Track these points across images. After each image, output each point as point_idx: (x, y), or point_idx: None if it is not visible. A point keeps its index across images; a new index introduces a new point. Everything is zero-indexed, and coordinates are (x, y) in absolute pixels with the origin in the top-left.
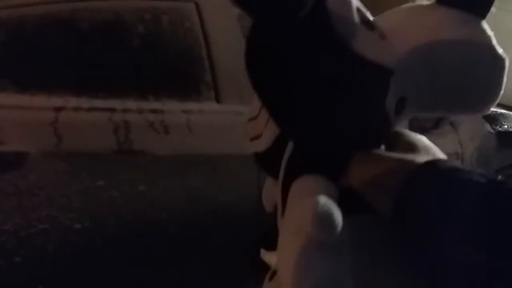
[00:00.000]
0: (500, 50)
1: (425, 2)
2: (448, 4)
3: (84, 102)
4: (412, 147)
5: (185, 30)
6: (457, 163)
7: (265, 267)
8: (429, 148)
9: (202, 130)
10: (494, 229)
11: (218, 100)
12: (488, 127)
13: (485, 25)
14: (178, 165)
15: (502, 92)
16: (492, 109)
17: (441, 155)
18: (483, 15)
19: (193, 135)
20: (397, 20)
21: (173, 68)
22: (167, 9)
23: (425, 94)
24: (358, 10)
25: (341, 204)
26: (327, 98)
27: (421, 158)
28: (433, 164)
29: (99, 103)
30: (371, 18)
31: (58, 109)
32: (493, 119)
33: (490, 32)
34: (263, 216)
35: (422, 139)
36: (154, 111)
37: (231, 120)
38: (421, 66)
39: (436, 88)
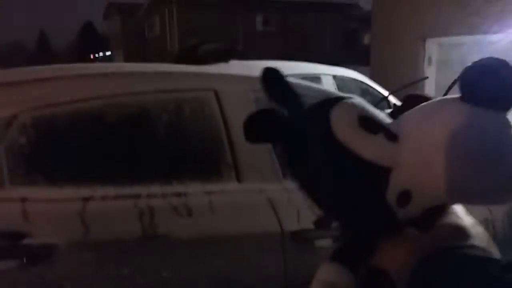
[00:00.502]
0: None
1: (449, 97)
2: (470, 101)
3: (111, 190)
4: (447, 228)
5: (205, 116)
6: (478, 251)
7: None
8: (460, 228)
9: (224, 210)
10: None
11: (239, 179)
12: None
13: (506, 120)
14: (201, 247)
15: None
16: None
17: (475, 233)
18: (506, 110)
19: (215, 216)
20: (415, 118)
21: (195, 152)
22: (189, 99)
23: (428, 187)
24: (363, 118)
25: (369, 283)
26: (335, 190)
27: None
28: (447, 250)
29: (124, 190)
30: (383, 121)
31: (86, 199)
32: None
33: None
34: None
35: (461, 219)
36: (177, 194)
37: (252, 198)
38: (419, 162)
39: (437, 180)
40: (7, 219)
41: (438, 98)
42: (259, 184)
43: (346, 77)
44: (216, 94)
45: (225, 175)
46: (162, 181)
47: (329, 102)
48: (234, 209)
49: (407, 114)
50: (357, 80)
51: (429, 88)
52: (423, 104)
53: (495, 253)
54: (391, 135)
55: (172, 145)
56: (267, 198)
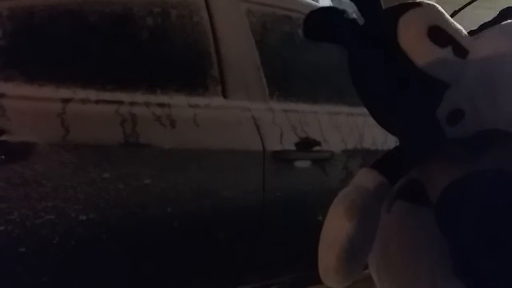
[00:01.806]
0: None
1: None
2: None
3: (92, 94)
4: None
5: (193, 24)
6: None
7: None
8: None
9: (208, 124)
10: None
11: (224, 95)
12: None
13: None
14: (183, 159)
15: None
16: None
17: None
18: None
19: (199, 130)
20: (493, 36)
21: (180, 62)
22: (176, 3)
23: (484, 109)
24: (434, 28)
25: (406, 191)
26: (391, 99)
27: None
28: (482, 174)
29: (106, 95)
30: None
31: (65, 101)
32: None
33: None
34: (266, 212)
35: None
36: (161, 105)
37: (237, 115)
38: (481, 82)
39: (497, 107)
40: None
41: None
42: (244, 102)
43: None
44: (206, 1)
45: (211, 90)
46: (146, 89)
47: (401, 7)
48: (218, 125)
49: (489, 30)
50: None
51: None
52: (505, 22)
53: None
54: (460, 50)
55: (157, 52)
56: (252, 117)
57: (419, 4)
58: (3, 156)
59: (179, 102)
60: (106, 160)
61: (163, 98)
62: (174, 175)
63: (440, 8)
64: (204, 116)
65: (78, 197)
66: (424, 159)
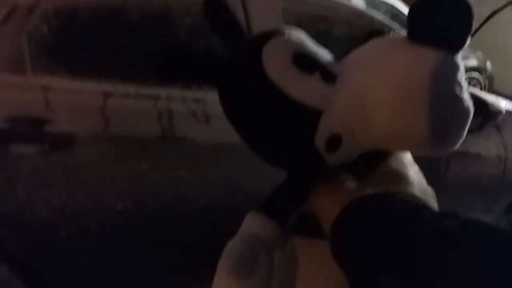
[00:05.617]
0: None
1: (396, 36)
2: (419, 41)
3: (131, 89)
4: (394, 179)
5: None
6: (407, 196)
7: None
8: (395, 175)
9: None
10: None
11: None
12: None
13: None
14: (217, 153)
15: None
16: None
17: (421, 186)
18: (456, 51)
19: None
20: (357, 58)
21: None
22: None
23: (360, 131)
24: (299, 55)
25: (298, 225)
26: (267, 132)
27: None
28: (371, 197)
29: (145, 90)
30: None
31: (106, 95)
32: None
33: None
34: None
35: (407, 173)
36: (196, 100)
37: None
38: (353, 105)
39: (372, 128)
40: (29, 105)
41: (386, 37)
42: None
43: None
44: (242, 0)
45: None
46: (182, 85)
47: (263, 36)
48: None
49: (352, 53)
50: (388, 4)
51: None
52: (369, 42)
53: (432, 204)
54: (327, 75)
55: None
56: None
57: (280, 31)
58: (46, 146)
59: (214, 98)
60: (143, 152)
61: (198, 94)
62: (208, 168)
63: (302, 34)
64: None
65: (116, 187)
66: (311, 191)
